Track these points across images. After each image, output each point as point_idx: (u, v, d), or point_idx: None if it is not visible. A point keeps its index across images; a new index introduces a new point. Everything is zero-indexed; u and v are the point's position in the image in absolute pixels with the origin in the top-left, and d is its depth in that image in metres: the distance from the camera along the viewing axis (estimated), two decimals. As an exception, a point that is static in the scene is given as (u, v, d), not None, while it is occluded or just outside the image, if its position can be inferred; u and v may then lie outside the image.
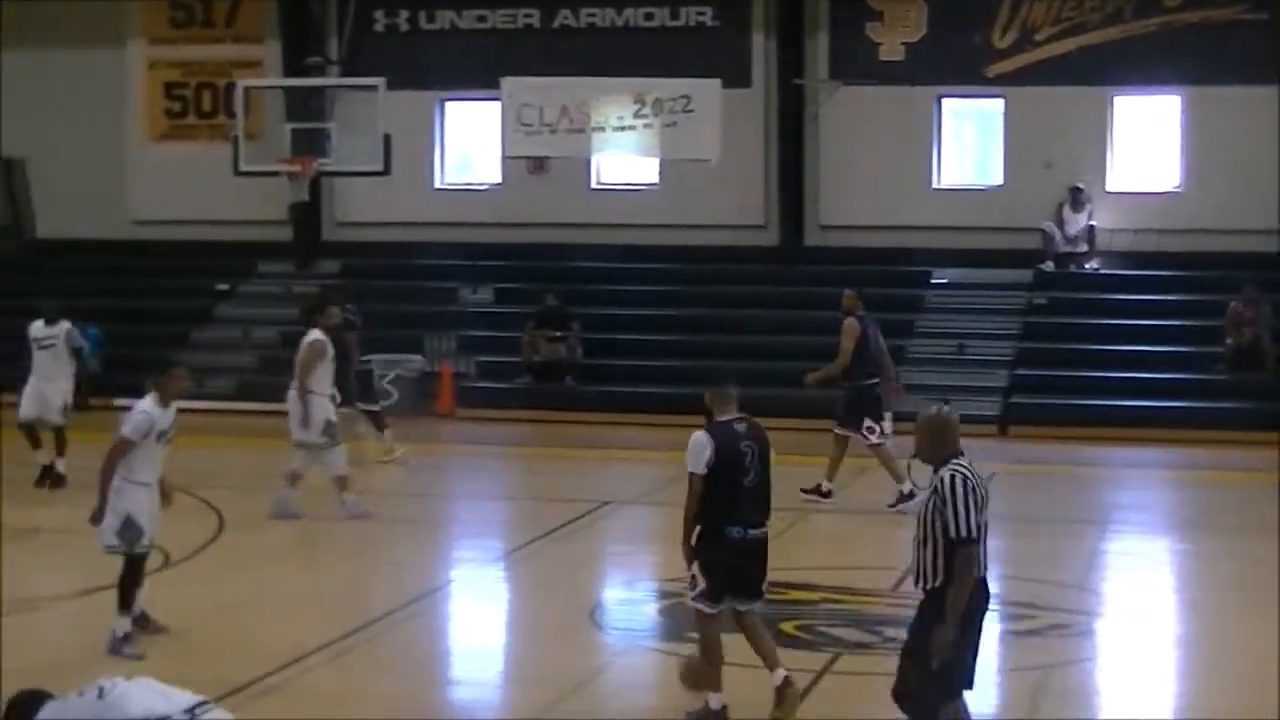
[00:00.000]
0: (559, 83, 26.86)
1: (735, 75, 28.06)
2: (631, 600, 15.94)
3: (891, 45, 28.71)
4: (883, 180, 28.58)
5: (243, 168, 27.48)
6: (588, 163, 29.05)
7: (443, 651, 14.26)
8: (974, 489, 9.49)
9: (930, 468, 9.73)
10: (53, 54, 31.23)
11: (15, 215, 31.69)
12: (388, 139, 26.35)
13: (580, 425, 25.53)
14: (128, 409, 13.90)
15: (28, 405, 20.47)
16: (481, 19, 29.92)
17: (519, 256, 29.37)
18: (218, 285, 29.36)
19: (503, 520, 20.14)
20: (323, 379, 18.68)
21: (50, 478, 20.36)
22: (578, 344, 27.22)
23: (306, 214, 29.44)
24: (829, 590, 15.32)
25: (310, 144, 26.97)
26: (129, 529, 13.12)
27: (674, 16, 29.24)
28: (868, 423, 19.37)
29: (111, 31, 31.19)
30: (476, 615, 15.46)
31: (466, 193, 30.28)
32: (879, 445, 19.38)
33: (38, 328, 20.64)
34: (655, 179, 29.41)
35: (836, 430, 19.53)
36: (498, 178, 29.87)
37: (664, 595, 15.44)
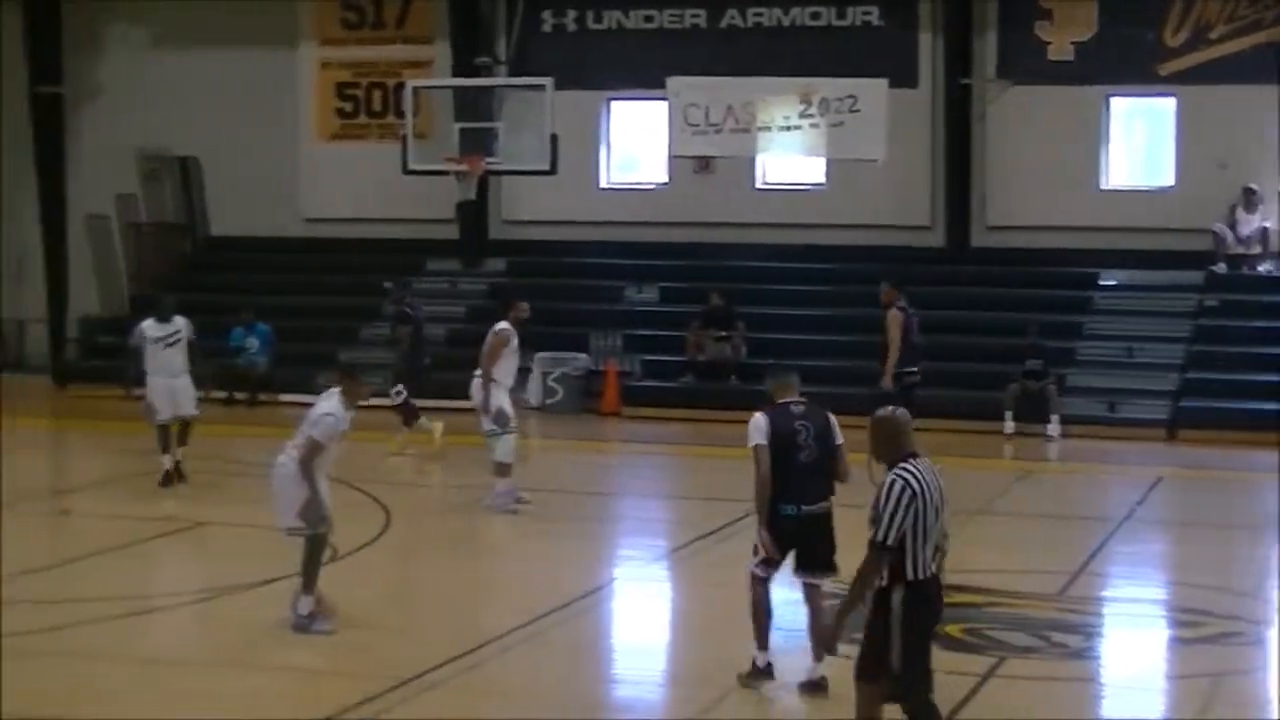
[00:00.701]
0: (725, 82, 26.89)
1: (902, 75, 27.93)
2: (792, 600, 15.89)
3: (1061, 44, 28.43)
4: (1050, 180, 28.30)
5: (412, 166, 27.80)
6: (753, 162, 29.02)
7: (605, 649, 14.34)
8: (914, 496, 9.59)
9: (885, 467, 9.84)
10: (227, 54, 31.71)
11: (190, 213, 32.18)
12: (554, 138, 26.54)
13: (743, 425, 25.42)
14: (296, 405, 14.19)
15: (164, 405, 20.16)
16: (649, 19, 29.98)
17: (684, 256, 29.41)
18: (386, 283, 29.61)
19: (666, 519, 20.19)
20: (505, 369, 18.93)
21: (176, 477, 20.24)
22: (742, 343, 27.21)
23: (474, 212, 29.68)
24: (995, 594, 15.19)
25: (478, 143, 27.21)
26: (310, 510, 13.63)
27: (840, 16, 29.13)
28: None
29: (284, 33, 31.61)
30: (639, 613, 15.52)
31: (632, 192, 30.35)
32: None
33: (153, 326, 20.32)
34: (821, 179, 29.31)
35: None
36: (663, 177, 29.92)
37: (828, 598, 15.40)
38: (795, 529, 11.91)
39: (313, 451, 13.67)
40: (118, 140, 32.15)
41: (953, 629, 13.81)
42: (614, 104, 30.46)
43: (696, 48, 29.36)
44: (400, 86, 29.70)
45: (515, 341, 19.07)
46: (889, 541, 9.58)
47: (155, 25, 32.32)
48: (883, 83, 26.11)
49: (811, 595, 12.29)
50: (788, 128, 26.46)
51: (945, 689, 12.26)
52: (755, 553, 12.15)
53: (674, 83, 26.80)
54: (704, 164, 29.05)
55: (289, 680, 13.04)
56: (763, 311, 27.84)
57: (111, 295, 31.56)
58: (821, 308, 28.18)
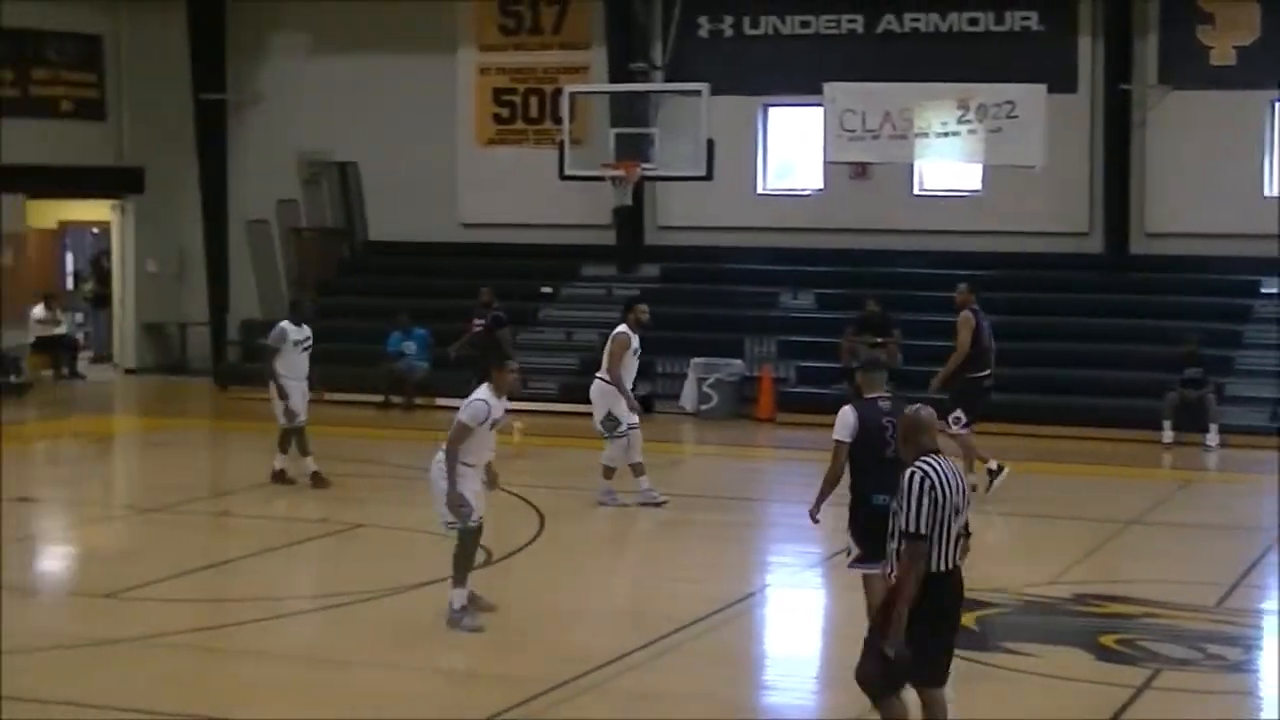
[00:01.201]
0: (882, 88, 26.80)
1: (1061, 80, 27.68)
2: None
3: (1223, 48, 28.06)
4: (1211, 187, 27.92)
5: (568, 172, 27.94)
6: (910, 168, 28.88)
7: (758, 655, 14.35)
8: (933, 487, 9.89)
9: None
10: (386, 60, 32.05)
11: (349, 218, 32.55)
12: (710, 144, 26.57)
13: (901, 432, 25.37)
14: (453, 409, 14.41)
15: (303, 407, 20.46)
16: (805, 24, 29.92)
17: (840, 262, 29.33)
18: (542, 288, 29.82)
19: (819, 526, 20.09)
20: (626, 371, 19.26)
21: (286, 480, 20.50)
22: (898, 350, 27.07)
23: (629, 218, 29.78)
24: (1151, 605, 15.04)
25: (634, 149, 27.30)
26: (460, 504, 13.91)
27: (999, 21, 28.92)
28: (957, 413, 19.43)
29: (443, 38, 31.88)
30: (792, 619, 15.51)
31: (788, 198, 30.31)
32: (961, 435, 19.48)
33: (294, 330, 20.47)
34: (978, 185, 29.12)
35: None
36: (819, 183, 29.84)
37: (979, 605, 15.32)
38: (886, 519, 11.55)
39: (460, 436, 13.91)
40: (279, 146, 32.60)
41: (1107, 639, 13.73)
42: (770, 110, 30.43)
43: (853, 53, 29.26)
44: (557, 92, 29.87)
45: (636, 343, 19.37)
46: (920, 530, 9.86)
47: (316, 32, 32.74)
48: (1041, 88, 25.91)
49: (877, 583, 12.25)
50: (945, 134, 26.33)
51: (1101, 699, 12.21)
52: (848, 553, 12.69)
53: (831, 88, 26.74)
54: (860, 170, 28.96)
55: (444, 682, 13.18)
56: (918, 318, 27.66)
57: (271, 299, 31.97)
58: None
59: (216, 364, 31.86)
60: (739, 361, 27.53)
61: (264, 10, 32.87)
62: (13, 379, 29.55)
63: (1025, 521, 19.45)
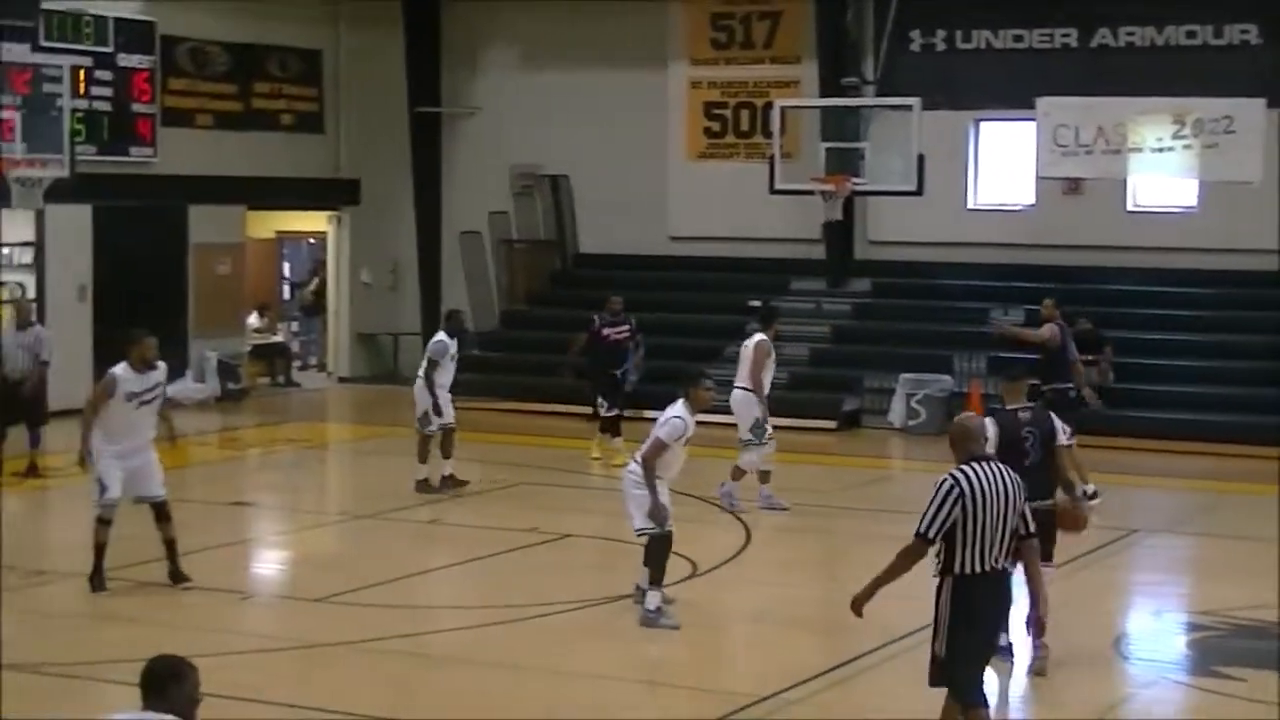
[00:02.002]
0: (1096, 103, 26.46)
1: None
2: (1158, 631, 15.64)
3: None
4: None
5: (778, 186, 27.94)
6: (1124, 184, 28.51)
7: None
8: (961, 493, 10.13)
9: None
10: (598, 74, 32.28)
11: (560, 230, 32.82)
12: (921, 158, 26.46)
13: (1110, 450, 25.05)
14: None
15: (451, 413, 21.08)
16: (1018, 38, 29.66)
17: (1051, 278, 28.96)
18: (750, 301, 29.77)
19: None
20: (767, 379, 19.88)
21: (430, 489, 20.92)
22: (1109, 368, 26.76)
23: (839, 232, 29.71)
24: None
25: (844, 163, 27.26)
26: (655, 513, 14.44)
27: (1217, 34, 28.45)
28: (1063, 426, 19.46)
29: (655, 52, 32.04)
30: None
31: (999, 213, 30.05)
32: (1067, 447, 19.21)
33: (452, 343, 21.17)
34: (1194, 201, 28.67)
35: None
36: (1031, 198, 29.56)
37: (1193, 628, 15.12)
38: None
39: (657, 451, 14.50)
40: (491, 158, 32.97)
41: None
42: (982, 124, 30.20)
43: (1067, 67, 28.95)
44: (768, 106, 29.87)
45: (773, 353, 20.12)
46: (927, 534, 10.20)
47: (529, 45, 33.07)
48: (1260, 102, 25.43)
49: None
50: (1160, 149, 25.94)
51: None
52: None
53: (1044, 103, 26.47)
54: (1073, 185, 28.64)
55: (650, 693, 13.28)
56: (1131, 336, 27.35)
57: (483, 310, 32.32)
58: (1192, 333, 27.57)
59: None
60: (948, 377, 27.35)
61: (478, 24, 33.26)
62: (230, 386, 30.18)
63: (1235, 543, 19.11)
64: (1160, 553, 18.94)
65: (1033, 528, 10.57)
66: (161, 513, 15.80)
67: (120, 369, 15.62)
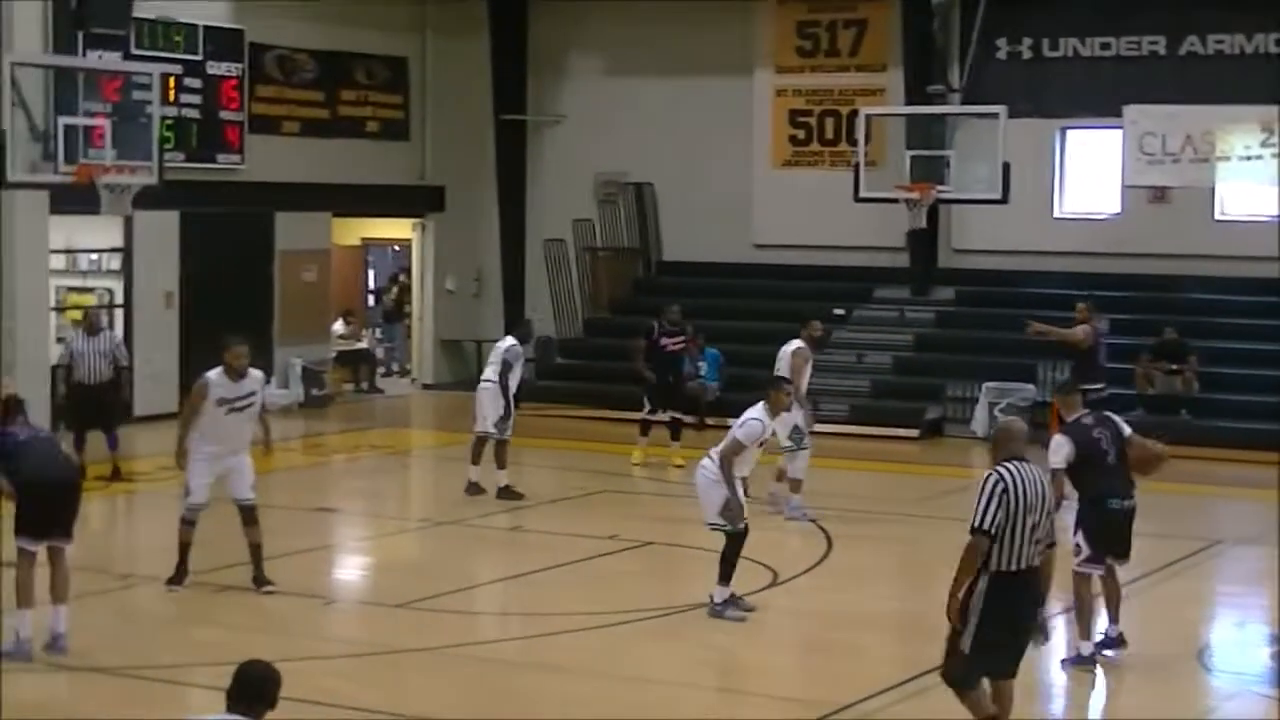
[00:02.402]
0: (1184, 111, 26.27)
1: (1370, 102, 26.87)
2: (1242, 643, 15.53)
3: None
4: None
5: (863, 194, 27.88)
6: (1211, 193, 28.29)
7: (1031, 683, 14.14)
8: (1005, 490, 10.61)
9: None
10: (682, 82, 32.31)
11: (643, 238, 32.86)
12: (1007, 166, 26.34)
13: (1195, 460, 24.86)
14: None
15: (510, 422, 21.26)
16: (1105, 46, 29.50)
17: (1137, 287, 28.84)
18: (834, 309, 29.75)
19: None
20: (803, 385, 20.11)
21: (479, 491, 21.15)
22: (1194, 377, 26.59)
23: (924, 240, 29.63)
24: None
25: (929, 171, 27.18)
26: (728, 510, 15.00)
27: (1305, 42, 28.23)
28: None
29: (740, 60, 32.04)
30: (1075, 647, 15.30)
31: (1085, 221, 29.89)
32: None
33: (523, 349, 21.55)
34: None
35: None
36: (1117, 207, 29.38)
37: (1277, 641, 15.00)
38: (1121, 520, 13.55)
39: (734, 450, 15.03)
40: (576, 166, 33.06)
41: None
42: (1068, 132, 30.05)
43: (1154, 75, 28.76)
44: (853, 114, 29.80)
45: (811, 358, 20.51)
46: (988, 528, 10.61)
47: (614, 53, 33.13)
48: (1348, 110, 25.22)
49: (1114, 575, 13.89)
50: (1248, 157, 25.76)
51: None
52: (1077, 553, 13.55)
53: (1130, 111, 26.32)
54: (1160, 194, 28.46)
55: (733, 701, 13.32)
56: (1218, 345, 27.15)
57: (567, 318, 32.41)
58: (1279, 342, 27.33)
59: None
60: (1031, 386, 27.21)
61: (564, 33, 33.36)
62: (315, 392, 30.37)
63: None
64: (1245, 564, 18.79)
65: (1055, 538, 11.06)
66: (249, 516, 15.95)
67: (214, 374, 15.85)
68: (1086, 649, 13.57)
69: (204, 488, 15.83)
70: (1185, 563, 18.07)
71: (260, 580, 15.93)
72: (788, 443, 19.65)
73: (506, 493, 21.01)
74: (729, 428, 15.81)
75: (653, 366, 24.08)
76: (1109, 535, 13.47)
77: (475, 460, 21.21)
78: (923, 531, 19.67)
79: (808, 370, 20.24)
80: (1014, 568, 10.70)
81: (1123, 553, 13.71)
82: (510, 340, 21.47)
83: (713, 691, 13.41)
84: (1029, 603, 10.92)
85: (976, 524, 10.67)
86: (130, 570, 17.08)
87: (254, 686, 7.66)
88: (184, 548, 15.89)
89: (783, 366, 20.06)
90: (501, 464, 21.05)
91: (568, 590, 16.89)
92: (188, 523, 15.88)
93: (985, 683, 10.96)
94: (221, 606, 15.42)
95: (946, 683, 11.02)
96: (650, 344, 24.22)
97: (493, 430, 20.98)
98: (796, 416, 19.50)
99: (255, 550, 15.98)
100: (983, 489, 10.72)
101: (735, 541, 14.99)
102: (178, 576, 15.90)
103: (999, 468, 10.79)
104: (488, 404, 21.09)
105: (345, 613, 16.10)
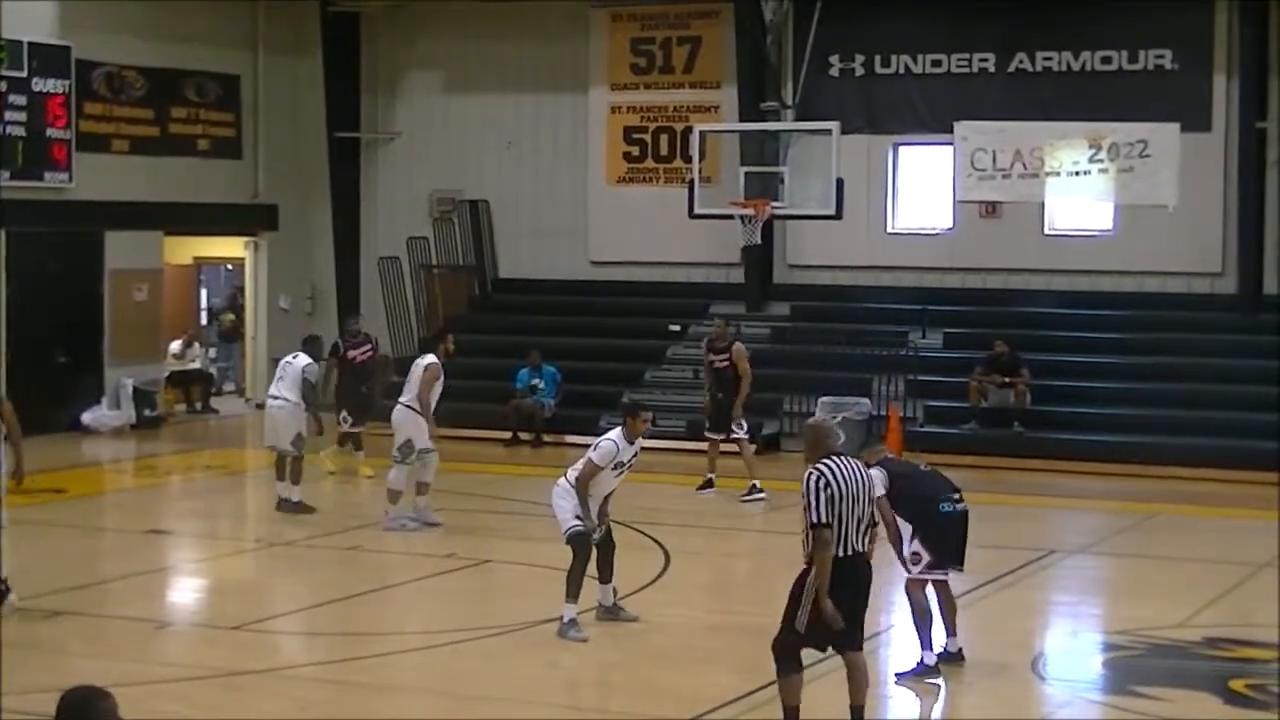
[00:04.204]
0: (1013, 127, 26.62)
1: (1195, 119, 27.36)
2: (1075, 651, 15.71)
3: (1361, 86, 27.71)
4: (1351, 226, 27.55)
5: (698, 211, 27.99)
6: (1041, 208, 28.67)
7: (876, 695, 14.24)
8: (828, 483, 11.25)
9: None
10: (517, 98, 32.30)
11: (479, 255, 32.76)
12: (840, 182, 26.54)
13: (1027, 472, 25.24)
14: (582, 446, 14.67)
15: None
16: (936, 63, 29.81)
17: (969, 301, 29.19)
18: (671, 326, 29.84)
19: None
20: (433, 400, 20.60)
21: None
22: (1026, 390, 26.93)
23: (759, 256, 29.78)
24: (1283, 649, 14.84)
25: (764, 187, 27.33)
26: (584, 515, 15.01)
27: (1132, 59, 28.66)
28: None
29: (575, 77, 32.07)
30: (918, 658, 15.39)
31: (918, 237, 30.19)
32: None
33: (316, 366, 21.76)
34: (1109, 225, 28.87)
35: None
36: (949, 222, 29.71)
37: (1110, 648, 15.20)
38: (956, 523, 13.77)
39: (590, 473, 14.91)
40: (411, 183, 32.95)
41: (1237, 684, 13.56)
42: (901, 148, 30.34)
43: (984, 92, 29.14)
44: (688, 130, 29.96)
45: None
46: (825, 520, 11.22)
47: (449, 70, 33.04)
48: (1175, 127, 25.64)
49: (948, 588, 14.14)
50: (1077, 173, 26.13)
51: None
52: (916, 562, 13.76)
53: (961, 127, 26.62)
54: (991, 209, 28.83)
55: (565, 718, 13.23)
56: (1049, 359, 27.52)
57: (401, 335, 32.23)
58: (1109, 355, 27.77)
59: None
60: (866, 400, 27.41)
61: (398, 50, 33.22)
62: (147, 413, 29.95)
63: (1153, 563, 19.25)
64: (1077, 573, 19.03)
65: (879, 518, 12.05)
66: None
67: None
68: (930, 659, 13.67)
69: None
70: (1019, 573, 18.26)
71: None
72: (396, 454, 20.27)
73: (299, 507, 21.06)
74: (567, 444, 15.82)
75: (346, 380, 24.38)
76: (947, 540, 13.65)
77: (282, 477, 21.28)
78: (764, 544, 19.72)
79: (438, 386, 20.43)
80: (844, 553, 11.31)
81: (958, 560, 13.86)
82: (307, 359, 21.43)
83: (558, 709, 13.33)
84: (860, 583, 11.54)
85: (815, 520, 11.23)
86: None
87: (76, 713, 7.50)
88: None
89: (414, 380, 20.38)
90: (297, 480, 21.17)
91: (406, 610, 16.79)
92: None
93: (801, 678, 11.58)
94: (50, 632, 15.12)
95: (774, 653, 11.54)
96: (340, 359, 24.61)
97: (290, 449, 21.09)
98: (413, 430, 20.20)
99: None
100: (809, 488, 11.28)
101: (584, 547, 14.96)
102: None
103: (818, 465, 11.40)
104: (286, 422, 21.16)
105: (179, 635, 15.85)
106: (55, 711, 7.27)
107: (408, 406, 20.41)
